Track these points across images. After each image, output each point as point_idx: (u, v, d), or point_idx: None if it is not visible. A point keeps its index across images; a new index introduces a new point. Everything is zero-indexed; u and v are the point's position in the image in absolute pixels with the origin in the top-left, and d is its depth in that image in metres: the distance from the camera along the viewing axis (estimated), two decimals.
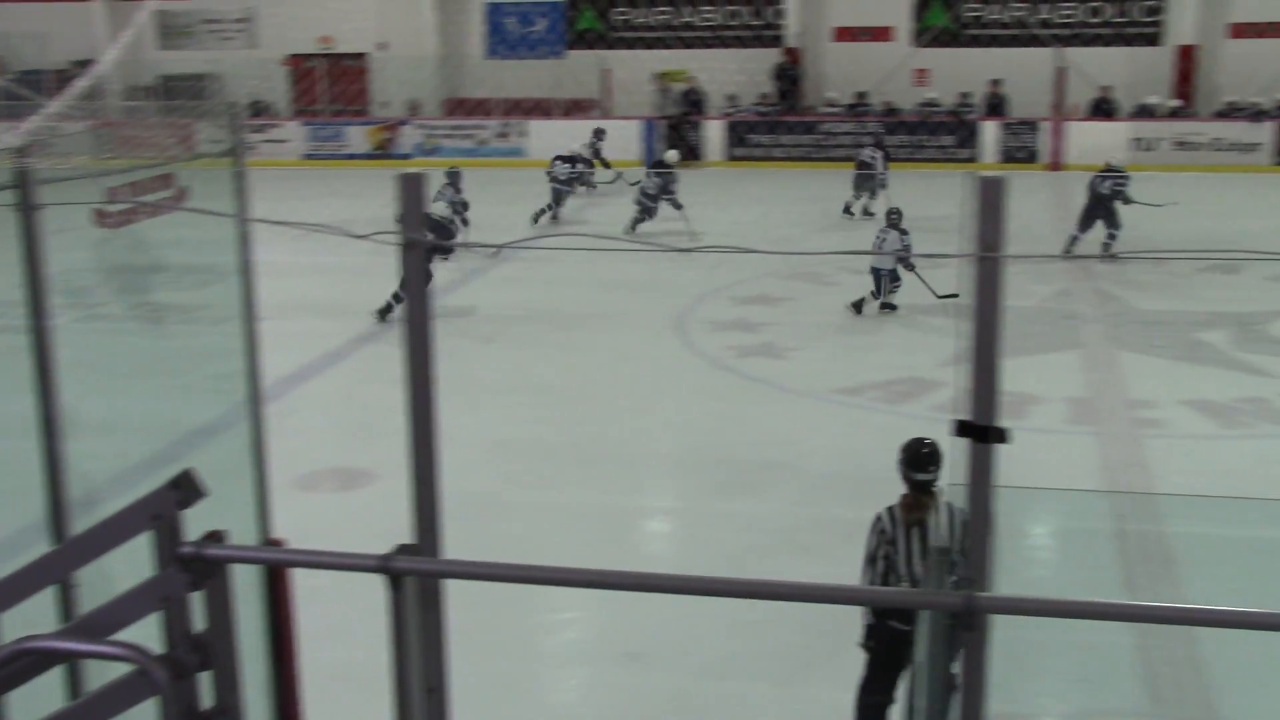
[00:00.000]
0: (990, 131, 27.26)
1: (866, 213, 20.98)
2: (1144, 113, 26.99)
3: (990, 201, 2.90)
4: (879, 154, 21.63)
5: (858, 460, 10.10)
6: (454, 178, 17.70)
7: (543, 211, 20.88)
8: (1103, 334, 13.80)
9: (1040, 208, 21.36)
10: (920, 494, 5.73)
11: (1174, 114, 26.94)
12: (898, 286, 14.60)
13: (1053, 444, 10.24)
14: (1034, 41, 28.42)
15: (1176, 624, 6.70)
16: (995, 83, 27.93)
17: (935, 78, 28.78)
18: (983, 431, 2.96)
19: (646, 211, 19.67)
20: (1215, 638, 6.60)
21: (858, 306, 14.62)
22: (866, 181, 21.19)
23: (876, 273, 14.56)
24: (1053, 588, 6.03)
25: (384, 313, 14.31)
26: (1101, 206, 17.45)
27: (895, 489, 9.32)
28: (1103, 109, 27.28)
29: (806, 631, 7.16)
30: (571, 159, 21.83)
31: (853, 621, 6.87)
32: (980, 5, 29.02)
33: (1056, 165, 26.44)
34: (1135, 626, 6.74)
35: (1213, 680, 6.69)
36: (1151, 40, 28.38)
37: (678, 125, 27.98)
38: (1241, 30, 27.74)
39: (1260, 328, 13.85)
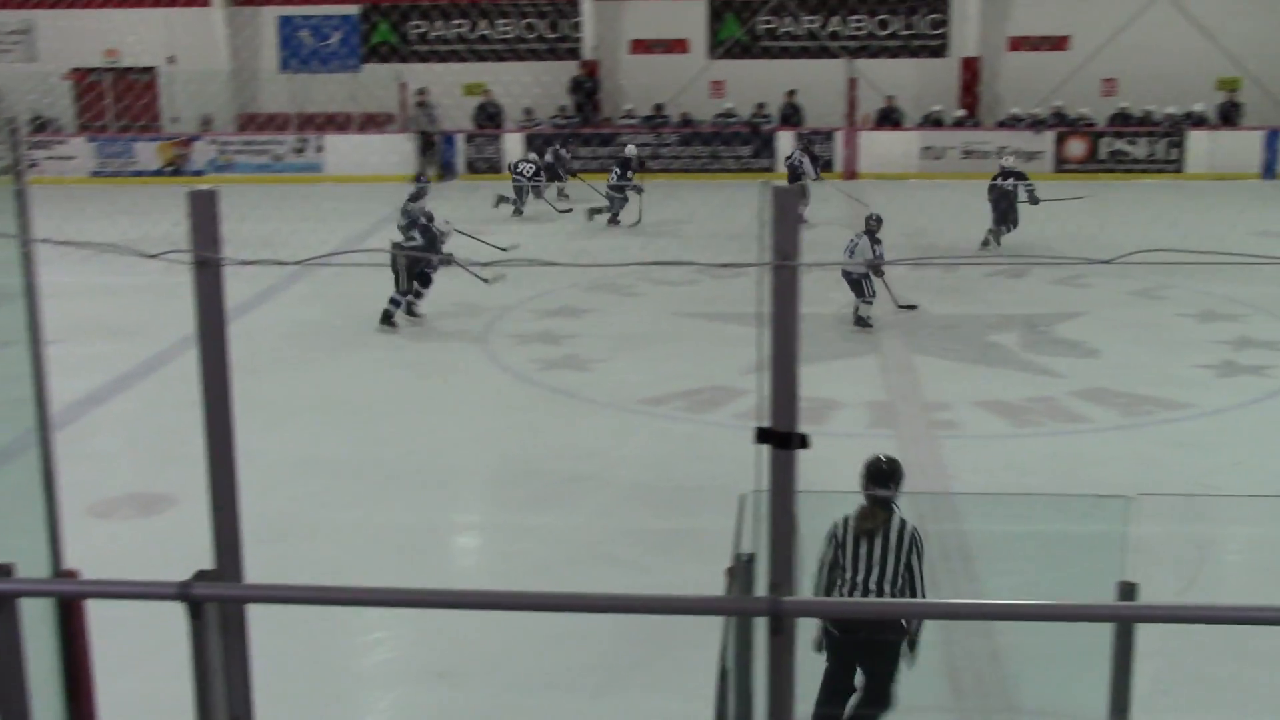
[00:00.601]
0: (786, 141, 27.73)
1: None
2: (932, 122, 27.82)
3: (786, 211, 2.94)
4: (805, 157, 21.86)
5: (664, 470, 10.19)
6: (419, 191, 16.27)
7: (505, 200, 22.15)
8: (899, 339, 14.14)
9: (836, 216, 21.81)
10: (876, 507, 5.86)
11: (959, 124, 27.82)
12: (874, 296, 14.35)
13: (854, 447, 10.41)
14: (826, 53, 29.01)
15: (975, 619, 6.92)
16: (790, 93, 28.45)
17: (731, 89, 29.18)
18: (784, 438, 3.00)
19: (614, 203, 21.36)
20: (1011, 629, 6.82)
21: (861, 321, 14.37)
22: (796, 186, 21.28)
23: (852, 279, 14.29)
24: None
25: (411, 309, 14.77)
26: (1012, 207, 18.48)
27: (702, 497, 9.44)
28: (890, 118, 28.03)
29: (619, 641, 7.18)
30: (527, 161, 23.01)
31: (664, 631, 6.92)
32: (773, 18, 29.53)
33: (851, 174, 27.03)
34: (937, 622, 6.92)
35: (1010, 670, 6.91)
36: (937, 52, 29.24)
37: (426, 142, 27.82)
38: (1018, 43, 28.86)
39: (1047, 330, 14.35)
